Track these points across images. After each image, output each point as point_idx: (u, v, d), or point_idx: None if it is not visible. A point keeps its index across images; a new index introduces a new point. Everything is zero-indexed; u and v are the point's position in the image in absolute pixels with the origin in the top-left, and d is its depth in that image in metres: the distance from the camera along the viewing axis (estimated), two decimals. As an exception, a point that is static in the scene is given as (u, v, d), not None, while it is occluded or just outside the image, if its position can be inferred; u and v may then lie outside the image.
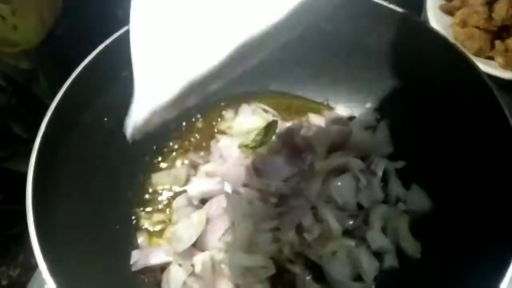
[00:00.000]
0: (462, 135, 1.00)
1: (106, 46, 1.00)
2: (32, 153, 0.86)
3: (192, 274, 0.92)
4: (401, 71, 1.09)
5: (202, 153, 1.12)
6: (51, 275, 0.76)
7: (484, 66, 1.19)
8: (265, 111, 1.17)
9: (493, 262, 0.83)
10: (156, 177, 1.10)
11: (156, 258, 0.96)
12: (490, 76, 0.95)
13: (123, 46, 1.01)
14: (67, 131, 0.95)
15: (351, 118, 1.15)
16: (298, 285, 0.93)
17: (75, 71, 0.96)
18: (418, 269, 0.97)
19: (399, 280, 0.98)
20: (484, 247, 0.87)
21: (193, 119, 1.18)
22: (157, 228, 1.04)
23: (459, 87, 0.98)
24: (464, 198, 0.98)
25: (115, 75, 1.05)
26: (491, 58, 1.26)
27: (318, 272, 0.94)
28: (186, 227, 0.93)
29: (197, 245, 0.94)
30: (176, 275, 0.94)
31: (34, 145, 0.87)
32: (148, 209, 1.07)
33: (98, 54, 0.99)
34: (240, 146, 1.04)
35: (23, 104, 1.24)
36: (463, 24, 1.27)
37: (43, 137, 0.88)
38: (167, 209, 1.07)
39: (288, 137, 0.97)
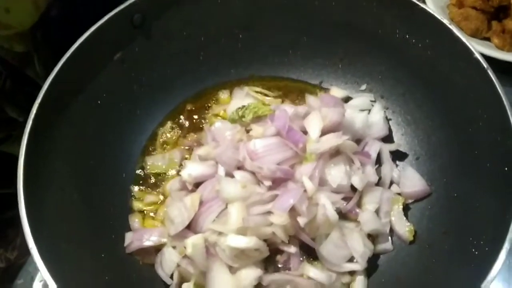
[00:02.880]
0: (458, 116, 0.99)
1: (98, 27, 0.99)
2: (24, 135, 0.86)
3: (186, 256, 0.93)
4: (396, 53, 1.08)
5: (196, 137, 1.12)
6: (42, 258, 0.77)
7: (480, 47, 1.19)
8: (260, 93, 1.17)
9: (487, 244, 0.83)
10: (150, 160, 1.10)
11: (150, 239, 0.97)
12: (486, 57, 0.94)
13: (116, 27, 1.02)
14: (60, 113, 0.95)
15: (346, 100, 1.14)
16: (293, 266, 0.93)
17: (67, 52, 0.96)
18: (411, 252, 0.98)
19: (393, 262, 0.98)
20: (477, 230, 0.88)
21: (188, 104, 1.17)
22: (151, 210, 1.05)
23: (454, 68, 0.98)
24: (458, 181, 0.98)
25: (108, 57, 1.04)
26: (487, 39, 1.25)
27: (312, 253, 0.95)
28: (179, 210, 0.93)
29: (191, 228, 0.94)
30: (169, 257, 0.94)
31: (26, 126, 0.87)
32: (142, 191, 1.07)
33: (90, 35, 0.98)
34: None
35: (18, 87, 1.23)
36: (460, 4, 1.26)
37: (35, 118, 0.88)
38: (161, 192, 1.07)
39: (282, 119, 0.97)
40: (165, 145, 1.13)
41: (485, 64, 0.91)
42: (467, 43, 0.94)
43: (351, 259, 0.94)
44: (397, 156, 1.09)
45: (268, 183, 0.93)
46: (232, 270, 0.89)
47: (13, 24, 1.11)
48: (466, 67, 0.95)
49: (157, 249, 0.98)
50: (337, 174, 0.95)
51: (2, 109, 1.22)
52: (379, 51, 1.11)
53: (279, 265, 0.94)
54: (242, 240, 0.87)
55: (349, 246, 0.93)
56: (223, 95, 1.18)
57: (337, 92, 1.16)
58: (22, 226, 0.81)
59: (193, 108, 1.17)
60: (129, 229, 1.01)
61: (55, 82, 0.93)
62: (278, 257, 0.95)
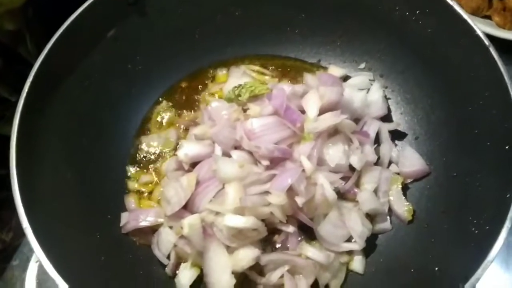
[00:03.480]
0: (458, 95, 0.98)
1: (91, 4, 0.97)
2: (16, 113, 0.85)
3: (183, 236, 0.92)
4: (396, 30, 1.06)
5: (192, 116, 1.11)
6: (37, 238, 0.76)
7: (481, 25, 1.16)
8: (258, 72, 1.15)
9: (487, 223, 0.83)
10: (146, 140, 1.09)
11: (146, 220, 0.96)
12: (486, 36, 0.92)
13: (109, 4, 0.99)
14: (52, 91, 0.93)
15: (345, 78, 1.13)
16: (291, 246, 0.93)
17: (59, 29, 0.94)
18: (410, 231, 0.97)
19: (391, 242, 0.98)
20: (477, 209, 0.87)
21: (184, 83, 1.15)
22: (147, 190, 1.04)
23: (454, 46, 0.96)
24: (458, 160, 0.97)
25: (101, 35, 1.02)
26: (488, 17, 1.23)
27: (311, 232, 0.94)
28: (175, 190, 0.92)
29: (188, 208, 0.93)
30: (166, 237, 0.93)
31: (18, 105, 0.85)
32: (138, 171, 1.06)
33: (83, 12, 0.96)
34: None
35: (10, 67, 1.21)
36: (461, -18, 1.24)
37: (27, 97, 0.87)
38: (157, 172, 1.06)
39: (279, 98, 0.95)
40: (160, 125, 1.11)
41: (486, 42, 0.90)
42: (469, 20, 0.92)
43: (349, 239, 0.94)
44: (396, 135, 1.08)
45: (265, 162, 0.92)
46: (229, 250, 0.89)
47: (3, 2, 1.08)
48: (467, 44, 0.93)
49: (154, 229, 0.97)
50: (335, 153, 0.94)
51: (-6, 89, 1.20)
52: (378, 28, 1.09)
53: (277, 245, 0.94)
54: (240, 220, 0.86)
55: (347, 226, 0.93)
56: (221, 72, 1.16)
57: (335, 70, 1.14)
58: (16, 206, 0.80)
59: (189, 87, 1.15)
60: (125, 209, 1.00)
61: (47, 60, 0.91)
62: (276, 237, 0.94)
